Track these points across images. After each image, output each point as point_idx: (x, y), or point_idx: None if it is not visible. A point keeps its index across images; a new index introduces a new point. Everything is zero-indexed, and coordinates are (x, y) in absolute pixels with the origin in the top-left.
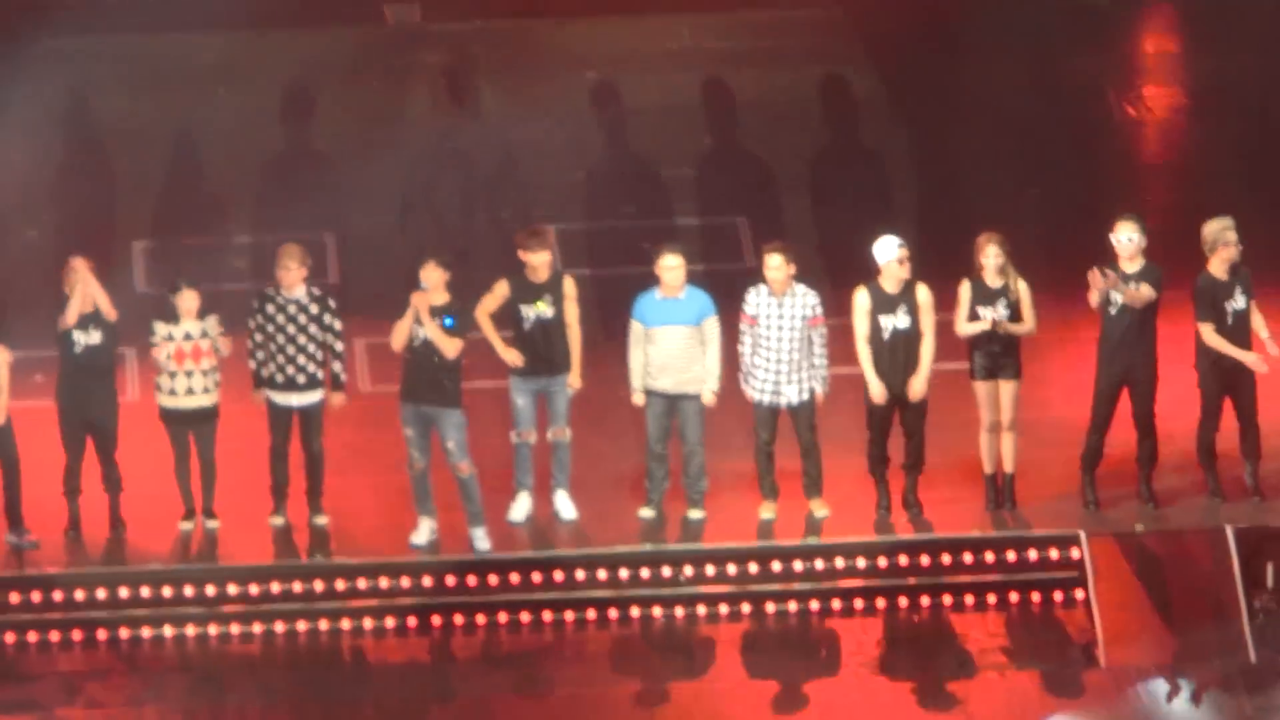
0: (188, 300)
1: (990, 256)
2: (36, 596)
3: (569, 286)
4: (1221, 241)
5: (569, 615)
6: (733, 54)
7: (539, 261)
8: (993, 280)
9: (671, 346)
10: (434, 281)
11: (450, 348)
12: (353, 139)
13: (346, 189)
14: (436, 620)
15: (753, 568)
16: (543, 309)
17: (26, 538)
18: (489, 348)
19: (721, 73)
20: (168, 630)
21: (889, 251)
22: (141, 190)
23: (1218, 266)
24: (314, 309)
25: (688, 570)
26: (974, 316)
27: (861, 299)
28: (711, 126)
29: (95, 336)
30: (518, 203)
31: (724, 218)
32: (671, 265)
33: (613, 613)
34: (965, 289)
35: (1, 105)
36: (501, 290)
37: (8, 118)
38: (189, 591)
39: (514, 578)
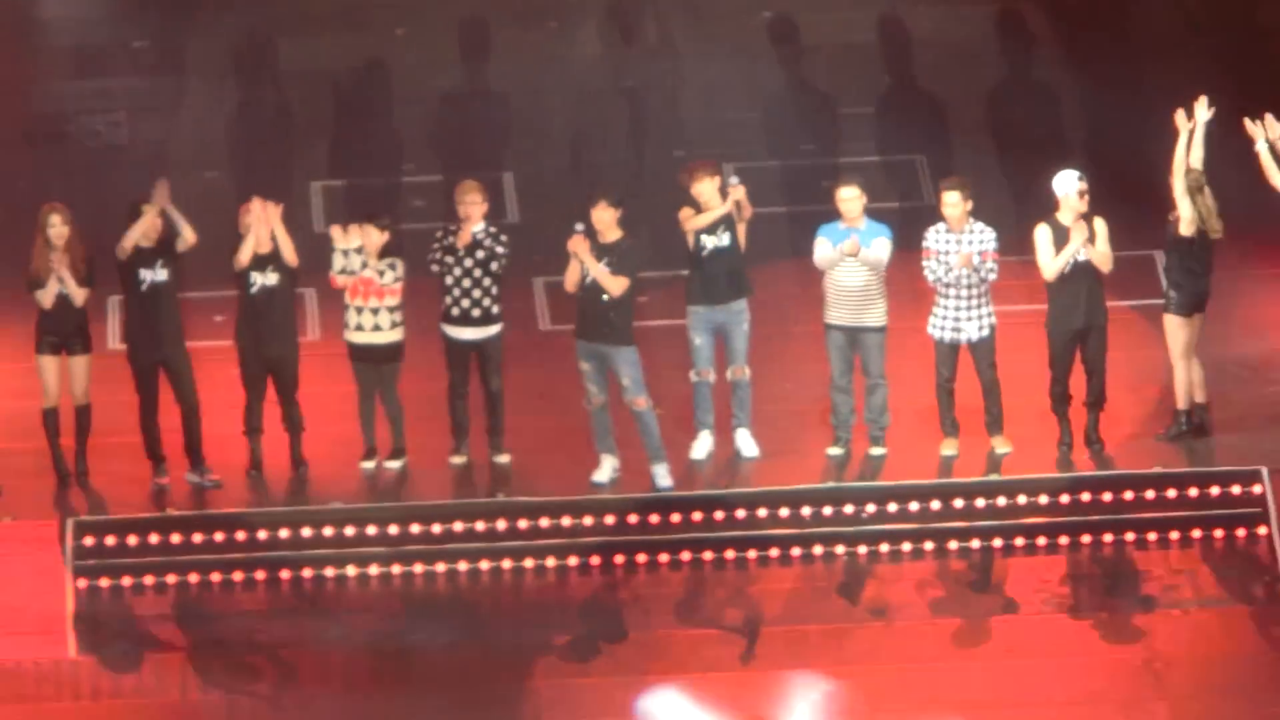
0: (369, 235)
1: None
2: (219, 536)
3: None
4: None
5: (751, 553)
6: None
7: (709, 192)
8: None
9: (850, 278)
10: (605, 221)
11: (615, 285)
12: (529, 79)
13: (523, 128)
14: (619, 559)
15: (934, 505)
16: (720, 237)
17: (208, 477)
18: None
19: (898, 10)
20: (350, 570)
21: (1068, 185)
22: (319, 130)
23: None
24: (488, 244)
25: (870, 508)
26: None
27: (1043, 233)
28: (889, 65)
29: (273, 278)
30: (693, 141)
31: (902, 156)
32: (847, 197)
33: (795, 550)
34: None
35: (178, 47)
36: (686, 216)
37: (185, 59)
38: (371, 531)
39: (696, 516)
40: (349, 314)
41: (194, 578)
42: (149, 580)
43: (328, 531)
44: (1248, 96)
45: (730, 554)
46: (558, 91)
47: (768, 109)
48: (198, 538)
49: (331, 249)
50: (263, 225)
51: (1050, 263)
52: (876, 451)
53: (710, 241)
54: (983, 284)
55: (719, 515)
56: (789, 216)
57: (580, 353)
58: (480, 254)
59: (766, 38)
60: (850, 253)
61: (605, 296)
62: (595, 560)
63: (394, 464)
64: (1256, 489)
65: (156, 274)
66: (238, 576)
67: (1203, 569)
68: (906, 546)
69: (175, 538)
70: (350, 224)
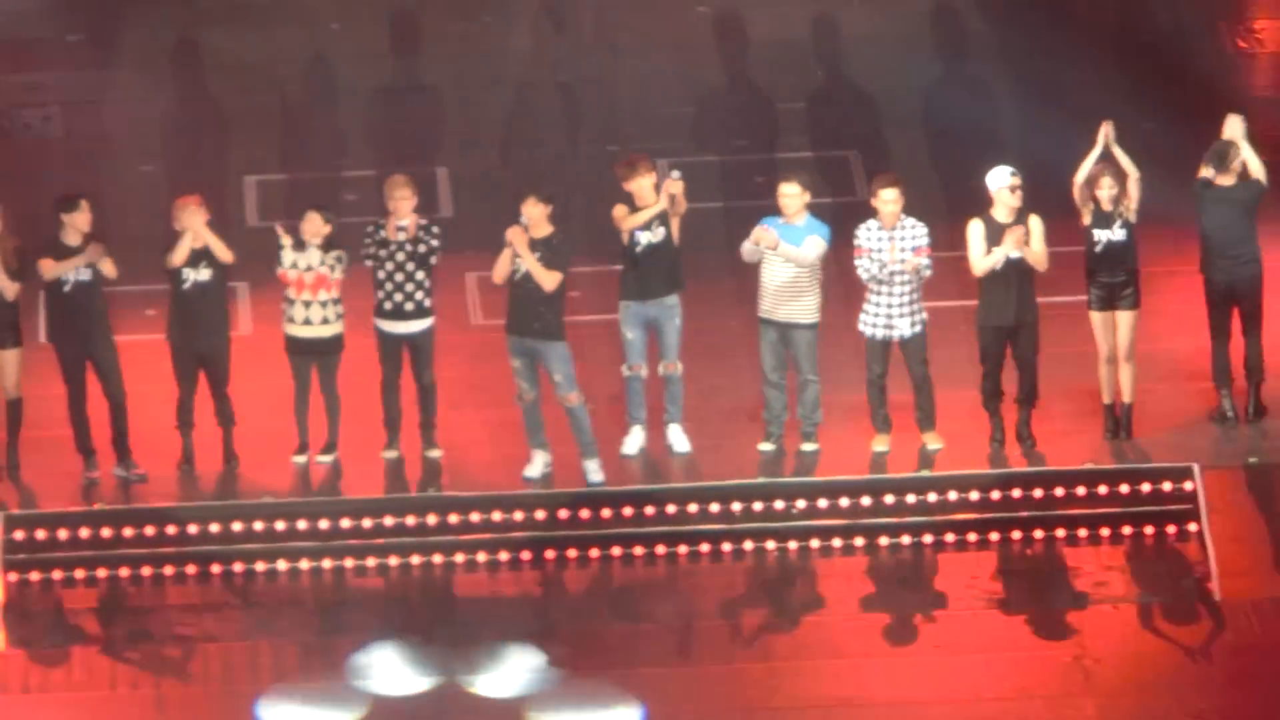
0: (310, 223)
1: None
2: (150, 530)
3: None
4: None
5: (682, 549)
6: None
7: (644, 187)
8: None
9: (779, 273)
10: (535, 216)
11: (549, 280)
12: (462, 73)
13: (456, 123)
14: (550, 554)
15: (865, 500)
16: (654, 232)
17: (134, 471)
18: (597, 279)
19: (832, 6)
20: (281, 564)
21: (1001, 180)
22: (253, 125)
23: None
24: (420, 237)
25: (801, 503)
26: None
27: (975, 228)
28: (822, 60)
29: (205, 273)
30: (628, 136)
31: (835, 151)
32: (788, 193)
33: (726, 546)
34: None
35: (115, 40)
36: (620, 214)
37: (121, 53)
38: (302, 525)
39: (627, 511)
40: (292, 307)
41: (124, 572)
42: (79, 574)
43: (258, 526)
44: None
45: (661, 549)
46: (492, 85)
47: (702, 104)
48: (128, 532)
49: (278, 246)
50: (199, 227)
51: (980, 259)
52: (808, 447)
53: (644, 236)
54: (915, 280)
55: (650, 510)
56: (724, 211)
57: (511, 348)
58: (410, 248)
59: (702, 32)
60: (769, 246)
61: (537, 291)
62: (526, 555)
63: (326, 458)
64: (1187, 486)
65: (80, 274)
66: (168, 571)
67: (1133, 565)
68: (837, 542)
69: (105, 532)
70: (291, 220)
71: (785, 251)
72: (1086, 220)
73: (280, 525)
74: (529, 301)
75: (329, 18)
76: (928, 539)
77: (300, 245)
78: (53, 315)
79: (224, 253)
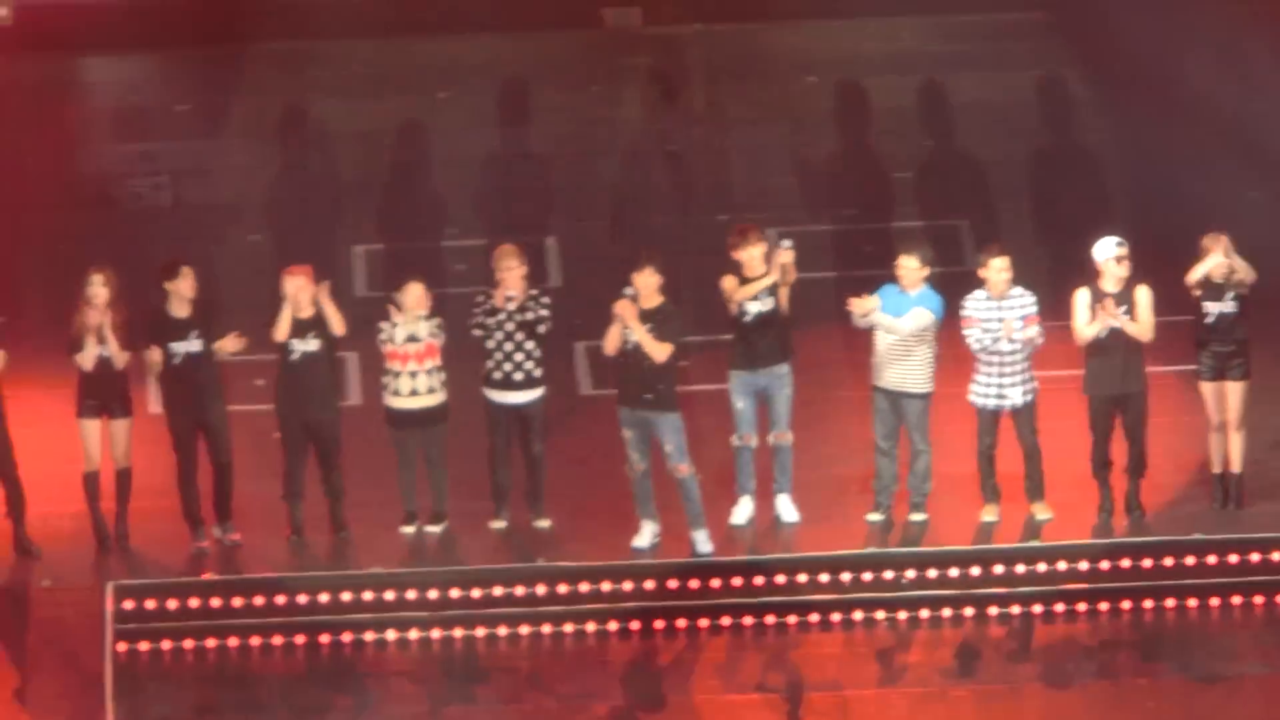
0: (413, 294)
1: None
2: (259, 600)
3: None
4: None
5: (791, 619)
6: (951, 57)
7: (752, 257)
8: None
9: (890, 343)
10: (646, 287)
11: (660, 352)
12: (571, 142)
13: (567, 192)
14: (659, 624)
15: (974, 571)
16: (764, 302)
17: (230, 536)
18: (706, 349)
19: (940, 75)
20: (391, 634)
21: (1107, 250)
22: (362, 194)
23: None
24: (529, 306)
25: (910, 573)
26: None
27: (1081, 297)
28: (931, 130)
29: (314, 344)
30: (736, 205)
31: (945, 220)
32: (906, 266)
33: (835, 616)
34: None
35: (223, 109)
36: (729, 285)
37: (229, 121)
38: (411, 595)
39: (736, 581)
40: (395, 380)
41: (233, 642)
42: (189, 644)
43: (367, 596)
44: None
45: (770, 619)
46: (601, 154)
47: (812, 173)
48: (237, 602)
49: (387, 321)
50: (302, 294)
51: (1083, 329)
52: (917, 517)
53: (753, 306)
54: (1025, 350)
55: (759, 580)
56: (835, 281)
57: (624, 420)
58: (521, 317)
59: (811, 101)
60: (860, 313)
61: (648, 363)
62: (635, 625)
63: (434, 529)
64: None
65: (190, 344)
66: (277, 640)
67: (1243, 635)
68: (947, 612)
69: (215, 602)
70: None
71: (881, 320)
72: (1198, 292)
73: (389, 595)
74: (640, 373)
75: (437, 87)
76: (1037, 609)
77: (403, 317)
78: (166, 387)
79: (339, 325)
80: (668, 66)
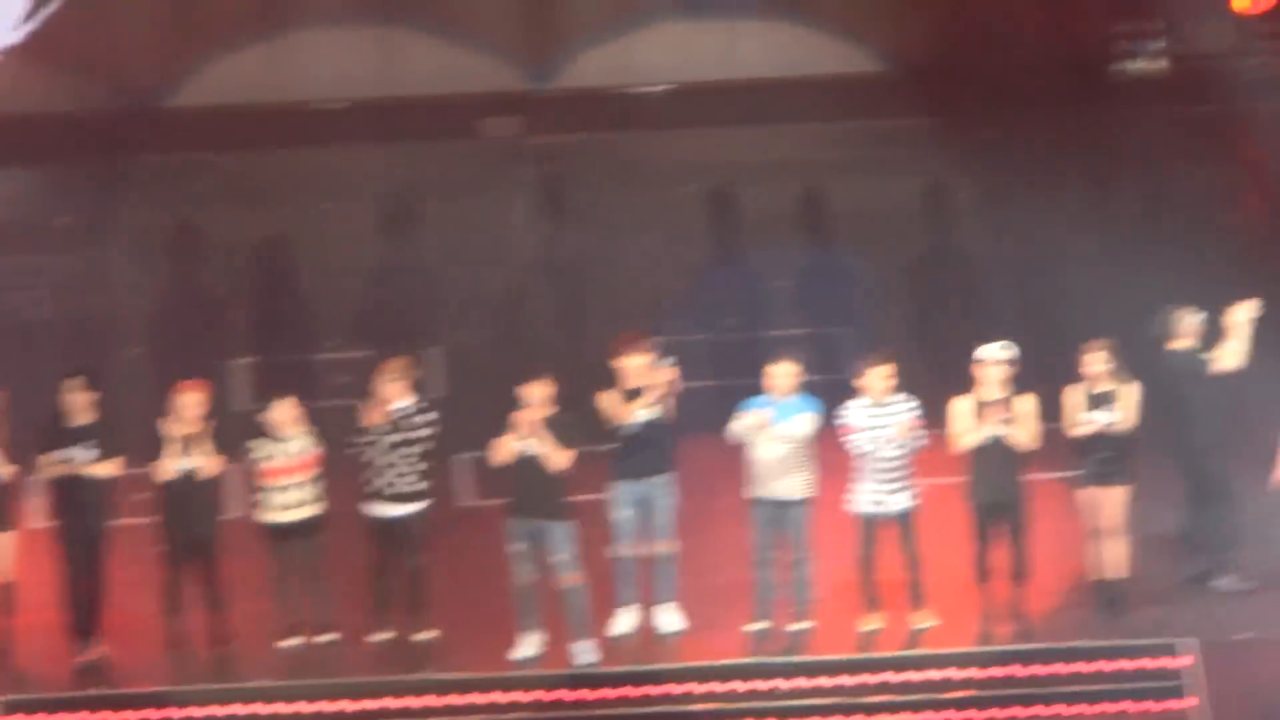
0: (281, 412)
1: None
2: (152, 715)
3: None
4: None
5: None
6: (830, 163)
7: (635, 366)
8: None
9: (771, 452)
10: (539, 397)
11: (562, 459)
12: (456, 252)
13: (450, 302)
14: None
15: (858, 679)
16: (647, 412)
17: (96, 649)
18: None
19: (819, 182)
20: None
21: (990, 356)
22: (244, 306)
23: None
24: (416, 420)
25: (795, 682)
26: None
27: (959, 406)
28: (810, 237)
29: (195, 460)
30: (619, 314)
31: (824, 329)
32: (778, 373)
33: None
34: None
35: (105, 220)
36: (609, 403)
37: (112, 232)
38: (303, 708)
39: (623, 691)
40: (267, 495)
41: None
42: None
43: (257, 708)
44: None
45: None
46: (487, 264)
47: (692, 281)
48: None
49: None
50: (189, 410)
51: (962, 437)
52: (799, 626)
53: (641, 414)
54: (906, 457)
55: (647, 690)
56: (715, 390)
57: (513, 531)
58: (401, 433)
59: (690, 210)
60: (758, 428)
61: (546, 471)
62: None
63: (323, 639)
64: (1173, 661)
65: (86, 453)
66: None
67: None
68: None
69: (104, 716)
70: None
71: (778, 431)
72: (1078, 399)
73: (281, 708)
74: (536, 482)
75: (320, 198)
76: (921, 717)
77: (272, 433)
78: (57, 499)
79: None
80: (550, 174)
